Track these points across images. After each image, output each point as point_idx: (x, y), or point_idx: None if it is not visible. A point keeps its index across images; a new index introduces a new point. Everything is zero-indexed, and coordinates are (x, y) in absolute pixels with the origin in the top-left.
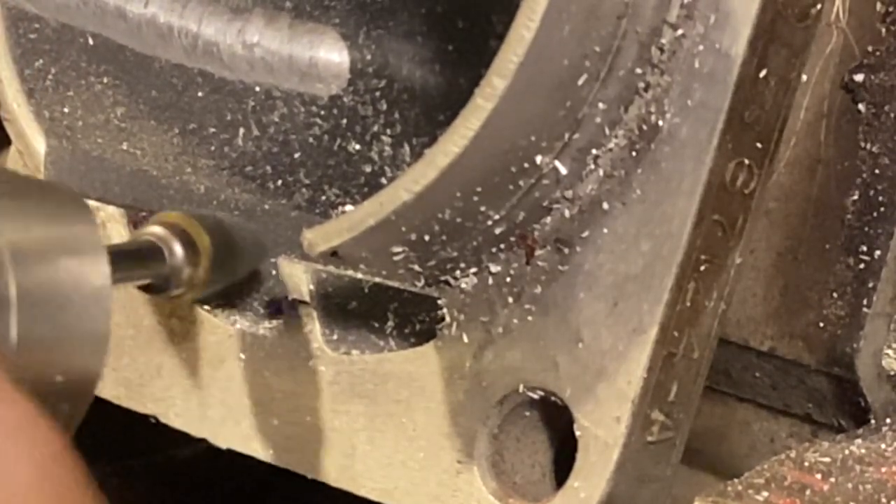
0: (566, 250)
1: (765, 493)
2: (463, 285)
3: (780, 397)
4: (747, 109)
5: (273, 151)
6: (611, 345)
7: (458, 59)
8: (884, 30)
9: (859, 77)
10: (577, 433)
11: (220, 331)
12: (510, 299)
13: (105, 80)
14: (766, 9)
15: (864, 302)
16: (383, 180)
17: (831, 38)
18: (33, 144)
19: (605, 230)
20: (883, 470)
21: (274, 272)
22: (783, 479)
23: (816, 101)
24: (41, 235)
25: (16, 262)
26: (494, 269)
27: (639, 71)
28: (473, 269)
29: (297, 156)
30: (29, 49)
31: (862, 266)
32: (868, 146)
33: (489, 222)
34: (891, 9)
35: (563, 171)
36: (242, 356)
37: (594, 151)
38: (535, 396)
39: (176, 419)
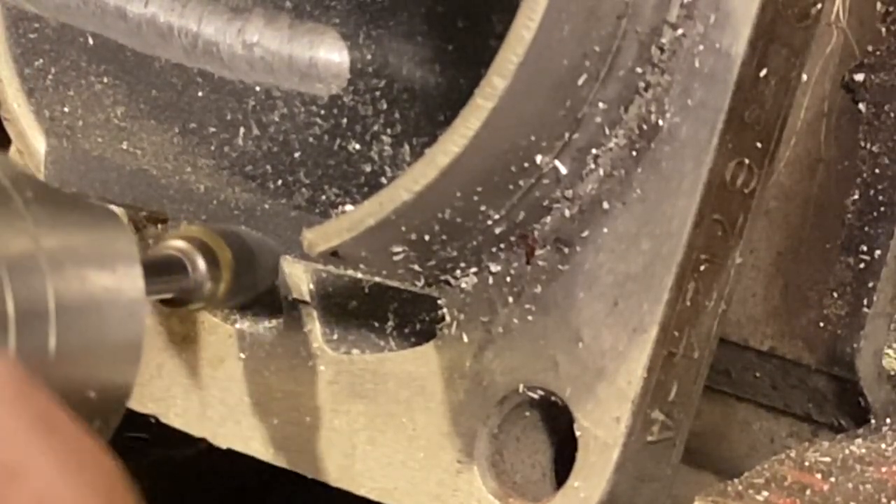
0: (566, 250)
1: (765, 493)
2: (463, 285)
3: (780, 397)
4: (747, 109)
5: (273, 151)
6: (611, 345)
7: (458, 59)
8: (884, 30)
9: (859, 77)
10: (577, 433)
11: (220, 331)
12: (510, 299)
13: (105, 79)
14: (766, 8)
15: (865, 302)
16: (383, 180)
17: (831, 37)
18: (33, 144)
19: (606, 230)
20: (883, 470)
21: None
22: (783, 478)
23: (816, 100)
24: (77, 245)
25: (53, 270)
26: (494, 268)
27: (639, 70)
28: (473, 269)
29: (297, 155)
30: (29, 49)
31: (862, 266)
32: (868, 146)
33: (489, 222)
34: (891, 9)
35: (563, 170)
36: (242, 356)
37: (594, 151)
38: (535, 396)
39: (176, 419)
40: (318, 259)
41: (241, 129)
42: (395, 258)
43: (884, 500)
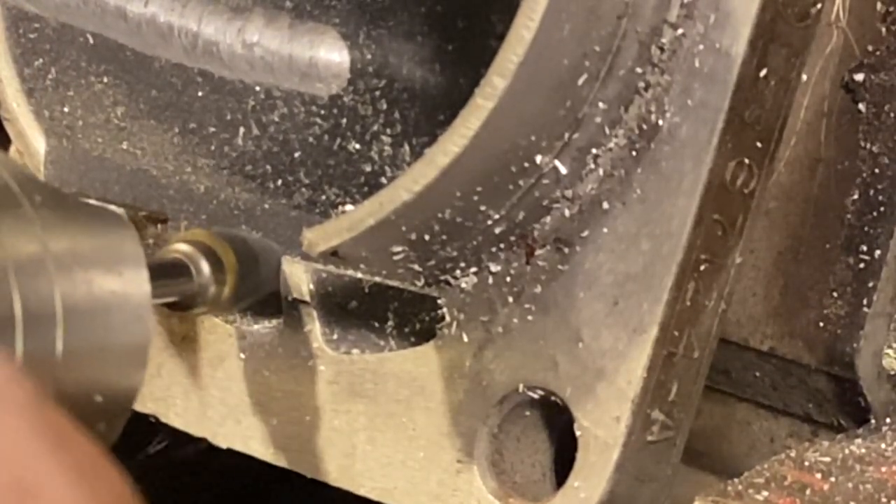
0: (566, 250)
1: (765, 493)
2: (463, 285)
3: (780, 397)
4: (747, 109)
5: (273, 151)
6: (611, 344)
7: (458, 59)
8: (884, 29)
9: (859, 77)
10: (577, 433)
11: (220, 330)
12: (510, 299)
13: (105, 79)
14: (766, 8)
15: (865, 301)
16: (383, 180)
17: (831, 37)
18: (33, 144)
19: (605, 230)
20: (883, 469)
21: None
22: (783, 478)
23: (816, 100)
24: (84, 249)
25: (60, 274)
26: (494, 268)
27: (639, 70)
28: (473, 269)
29: (297, 155)
30: (29, 49)
31: (862, 266)
32: (868, 146)
33: (489, 222)
34: (891, 9)
35: (563, 170)
36: (242, 355)
37: (594, 151)
38: (535, 396)
39: (176, 419)
40: (318, 259)
41: (241, 129)
42: (395, 258)
43: (884, 499)
